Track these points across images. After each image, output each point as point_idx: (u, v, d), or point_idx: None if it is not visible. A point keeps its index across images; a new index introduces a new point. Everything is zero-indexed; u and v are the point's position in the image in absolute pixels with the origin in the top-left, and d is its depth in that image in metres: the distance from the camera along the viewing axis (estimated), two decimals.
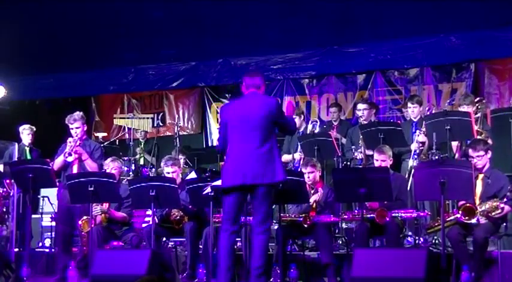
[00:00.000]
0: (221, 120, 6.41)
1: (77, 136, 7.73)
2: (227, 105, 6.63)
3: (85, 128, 7.91)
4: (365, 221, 6.86)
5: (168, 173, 7.66)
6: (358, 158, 8.69)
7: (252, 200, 6.05)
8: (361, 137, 8.58)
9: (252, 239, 6.10)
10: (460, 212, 6.48)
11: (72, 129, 7.79)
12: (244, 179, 5.94)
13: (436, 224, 6.86)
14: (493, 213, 6.47)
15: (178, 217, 7.51)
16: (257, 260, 5.94)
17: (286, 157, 9.31)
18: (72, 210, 7.61)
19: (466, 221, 6.44)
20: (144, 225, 8.49)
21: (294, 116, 9.20)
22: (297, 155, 9.13)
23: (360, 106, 9.05)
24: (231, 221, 6.05)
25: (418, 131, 8.20)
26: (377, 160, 7.31)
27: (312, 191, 7.31)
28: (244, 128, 6.03)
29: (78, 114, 7.85)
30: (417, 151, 8.16)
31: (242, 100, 6.27)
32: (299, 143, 9.13)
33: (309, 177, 7.31)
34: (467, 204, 6.45)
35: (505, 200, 6.47)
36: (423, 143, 8.12)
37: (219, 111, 11.74)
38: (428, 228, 7.10)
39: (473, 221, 6.43)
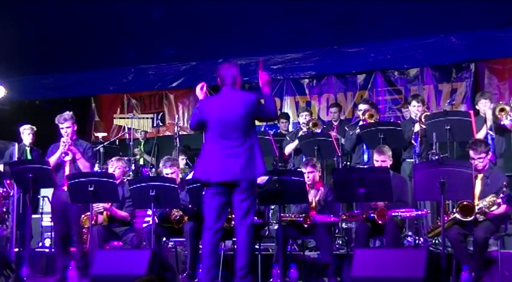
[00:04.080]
0: (199, 107, 6.35)
1: (67, 136, 7.69)
2: (206, 100, 6.52)
3: (75, 128, 7.80)
4: (365, 221, 6.86)
5: (167, 174, 7.66)
6: None
7: (233, 195, 6.00)
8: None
9: (235, 236, 6.04)
10: (457, 209, 6.48)
11: (62, 129, 7.70)
12: (224, 176, 5.93)
13: (436, 227, 6.84)
14: (491, 209, 6.46)
15: (178, 217, 7.51)
16: (241, 260, 5.90)
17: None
18: (67, 209, 7.57)
19: (463, 219, 6.43)
20: (144, 225, 8.48)
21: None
22: (294, 144, 9.34)
23: (362, 106, 9.05)
24: (213, 219, 6.01)
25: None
26: (377, 161, 7.30)
27: (312, 191, 7.31)
28: (223, 128, 6.02)
29: (68, 114, 7.76)
30: (417, 147, 8.15)
31: (220, 97, 6.28)
32: (299, 143, 9.16)
33: (308, 177, 7.30)
34: (465, 202, 6.45)
35: (501, 195, 6.44)
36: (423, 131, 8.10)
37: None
38: (428, 232, 7.08)
39: (470, 219, 6.42)
